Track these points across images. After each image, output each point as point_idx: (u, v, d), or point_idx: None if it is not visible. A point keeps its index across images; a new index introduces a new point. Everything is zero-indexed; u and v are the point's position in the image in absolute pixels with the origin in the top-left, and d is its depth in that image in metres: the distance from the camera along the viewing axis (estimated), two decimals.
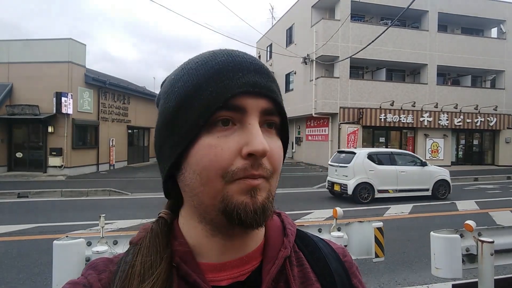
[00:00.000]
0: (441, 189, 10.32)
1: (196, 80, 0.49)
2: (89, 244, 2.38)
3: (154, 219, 0.58)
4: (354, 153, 10.05)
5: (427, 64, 19.03)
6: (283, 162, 0.55)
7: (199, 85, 0.48)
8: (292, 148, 22.77)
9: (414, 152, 18.99)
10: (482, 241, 2.71)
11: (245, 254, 0.54)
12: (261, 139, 0.47)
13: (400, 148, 19.19)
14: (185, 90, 0.49)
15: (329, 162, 10.85)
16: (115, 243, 2.43)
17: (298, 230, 0.62)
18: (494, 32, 22.15)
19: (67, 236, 2.35)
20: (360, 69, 19.63)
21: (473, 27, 21.45)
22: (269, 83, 0.50)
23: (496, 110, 19.42)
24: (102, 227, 2.45)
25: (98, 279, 0.52)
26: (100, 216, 2.49)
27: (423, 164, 10.40)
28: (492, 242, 2.70)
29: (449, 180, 10.48)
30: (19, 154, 14.90)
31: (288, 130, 0.56)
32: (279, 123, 0.53)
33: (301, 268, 0.56)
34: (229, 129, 0.48)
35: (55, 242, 2.25)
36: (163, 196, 0.60)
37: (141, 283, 0.48)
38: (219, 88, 0.47)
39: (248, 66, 0.49)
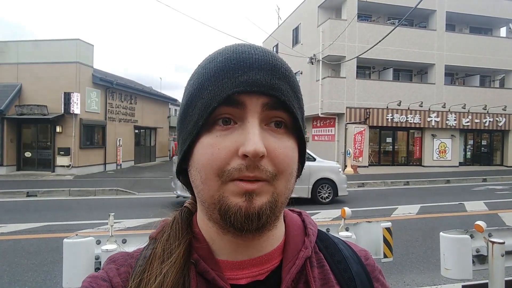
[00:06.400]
0: (322, 191, 8.73)
1: (202, 79, 0.49)
2: (98, 242, 2.40)
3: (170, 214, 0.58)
4: None
5: (434, 64, 18.86)
6: (302, 161, 0.55)
7: (202, 84, 0.48)
8: None
9: (421, 153, 18.91)
10: (493, 242, 2.67)
11: (265, 253, 0.52)
12: (255, 139, 0.44)
13: (407, 149, 19.12)
14: (193, 88, 0.50)
15: None
16: (124, 241, 2.44)
17: (319, 231, 0.61)
18: (503, 31, 21.89)
19: (77, 235, 2.37)
20: (367, 69, 19.52)
21: (482, 26, 21.20)
22: (273, 81, 0.47)
23: (505, 110, 19.17)
24: (112, 225, 2.46)
25: (118, 273, 0.52)
26: (110, 214, 2.50)
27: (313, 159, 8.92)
28: (503, 243, 2.67)
29: (334, 179, 8.77)
30: (27, 154, 15.08)
31: (301, 128, 0.51)
32: (290, 121, 0.50)
33: (321, 269, 0.55)
34: (229, 128, 0.47)
35: (65, 240, 2.27)
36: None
37: (161, 264, 0.50)
38: (217, 87, 0.47)
39: (251, 63, 0.47)
